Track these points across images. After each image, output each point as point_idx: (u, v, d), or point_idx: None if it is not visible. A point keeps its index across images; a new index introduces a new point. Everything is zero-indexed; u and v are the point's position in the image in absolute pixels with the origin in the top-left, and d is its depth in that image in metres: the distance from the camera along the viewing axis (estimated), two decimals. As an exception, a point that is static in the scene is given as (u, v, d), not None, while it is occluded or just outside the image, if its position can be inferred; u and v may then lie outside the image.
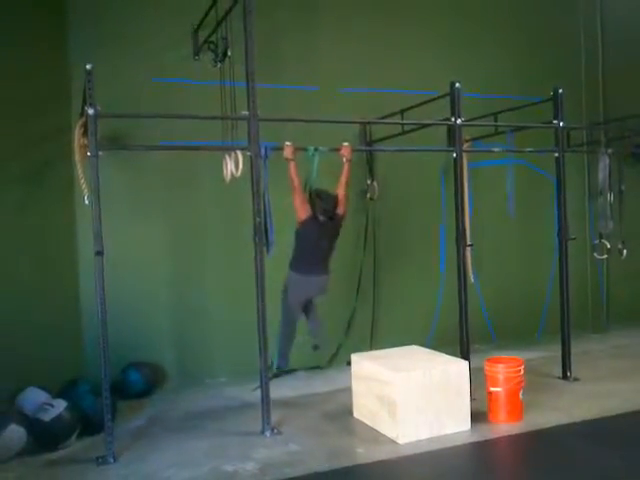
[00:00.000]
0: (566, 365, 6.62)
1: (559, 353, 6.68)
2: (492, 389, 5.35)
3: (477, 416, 5.31)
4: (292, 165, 5.55)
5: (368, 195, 7.59)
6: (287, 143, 5.51)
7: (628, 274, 9.06)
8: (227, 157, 5.82)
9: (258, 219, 5.27)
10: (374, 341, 7.47)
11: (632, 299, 9.24)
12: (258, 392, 5.36)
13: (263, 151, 5.30)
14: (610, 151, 7.81)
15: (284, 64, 7.24)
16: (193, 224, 6.96)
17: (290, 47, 7.33)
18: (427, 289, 8.04)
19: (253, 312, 5.30)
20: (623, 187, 8.27)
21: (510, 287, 8.40)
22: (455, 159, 5.98)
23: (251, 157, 5.28)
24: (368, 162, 7.55)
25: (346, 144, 5.84)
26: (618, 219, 8.12)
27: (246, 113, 5.25)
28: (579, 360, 6.89)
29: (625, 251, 8.14)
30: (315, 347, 6.42)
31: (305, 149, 5.62)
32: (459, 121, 5.93)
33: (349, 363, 5.80)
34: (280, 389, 6.39)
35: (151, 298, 6.78)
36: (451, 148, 6.06)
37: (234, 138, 6.02)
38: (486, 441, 5.01)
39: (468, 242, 6.28)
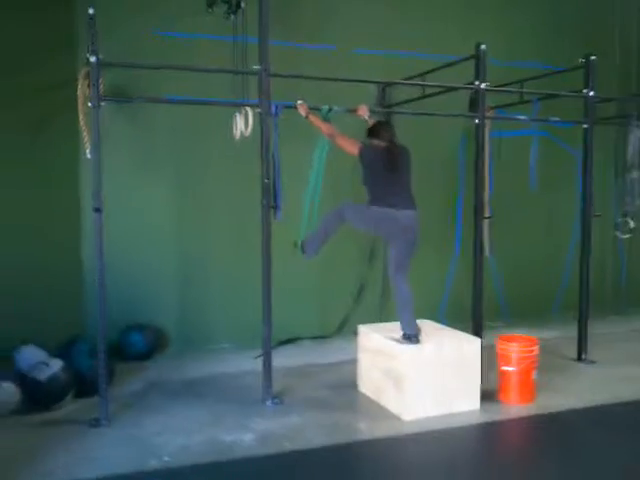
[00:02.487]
0: (582, 347, 6.39)
1: (575, 334, 6.44)
2: (504, 368, 5.13)
3: (486, 395, 5.10)
4: (312, 119, 5.20)
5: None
6: (299, 101, 5.22)
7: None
8: (237, 115, 5.57)
9: (266, 180, 5.03)
10: (384, 313, 7.25)
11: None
12: (260, 360, 5.19)
13: (274, 109, 5.05)
14: (641, 124, 7.44)
15: (299, 21, 6.90)
16: (199, 183, 6.72)
17: (306, 4, 6.99)
18: (441, 261, 7.78)
19: (259, 278, 5.10)
20: (654, 163, 7.90)
21: (527, 263, 8.12)
22: (477, 126, 5.69)
23: (261, 114, 5.02)
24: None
25: (363, 105, 5.53)
26: (645, 197, 7.78)
27: (258, 67, 4.99)
28: (595, 342, 6.62)
29: (649, 231, 7.81)
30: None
31: (319, 109, 5.34)
32: (483, 85, 5.62)
33: (356, 333, 5.61)
34: (284, 358, 6.21)
35: (155, 259, 6.59)
36: (474, 114, 5.76)
37: (245, 96, 5.77)
38: (495, 422, 4.81)
39: (487, 214, 6.02)
